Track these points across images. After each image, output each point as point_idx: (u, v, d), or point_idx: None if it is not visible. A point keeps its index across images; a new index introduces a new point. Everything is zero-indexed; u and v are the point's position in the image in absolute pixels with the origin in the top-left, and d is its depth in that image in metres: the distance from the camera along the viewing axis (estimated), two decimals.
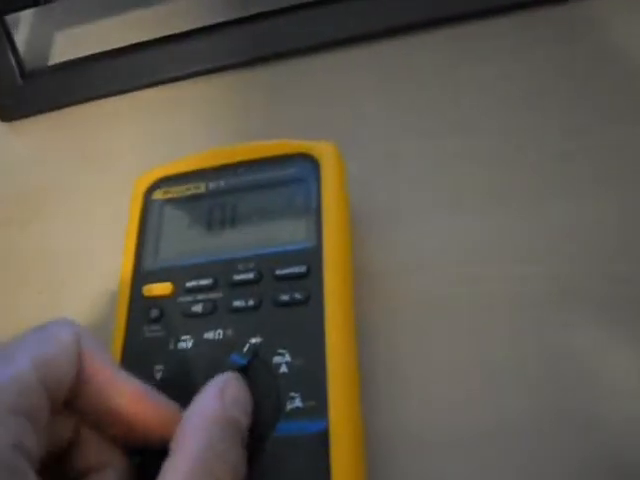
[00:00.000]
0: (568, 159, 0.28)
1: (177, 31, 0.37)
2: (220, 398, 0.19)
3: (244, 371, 0.21)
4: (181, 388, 0.22)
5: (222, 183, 0.26)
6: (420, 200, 0.29)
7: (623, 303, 0.24)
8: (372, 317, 0.26)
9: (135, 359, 0.23)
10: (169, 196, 0.27)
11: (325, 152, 0.25)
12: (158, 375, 0.22)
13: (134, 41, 0.37)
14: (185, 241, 0.26)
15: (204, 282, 0.24)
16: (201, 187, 0.27)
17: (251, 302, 0.23)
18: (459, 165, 0.29)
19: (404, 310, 0.26)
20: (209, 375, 0.21)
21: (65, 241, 0.33)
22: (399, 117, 0.32)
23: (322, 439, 0.20)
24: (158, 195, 0.27)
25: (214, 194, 0.26)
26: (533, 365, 0.24)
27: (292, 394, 0.21)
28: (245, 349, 0.22)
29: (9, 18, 0.38)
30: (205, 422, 0.18)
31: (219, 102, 0.35)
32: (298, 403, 0.21)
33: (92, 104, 0.38)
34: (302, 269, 0.23)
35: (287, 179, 0.25)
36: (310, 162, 0.25)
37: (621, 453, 0.21)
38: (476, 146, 0.30)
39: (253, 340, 0.22)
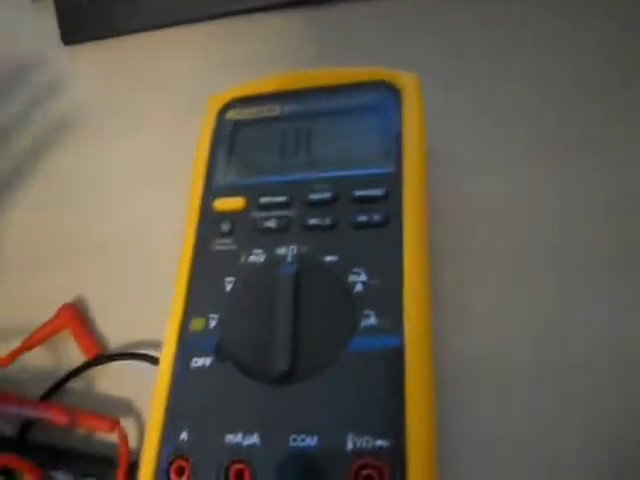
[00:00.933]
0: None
1: None
2: None
3: (298, 278, 0.21)
4: (250, 300, 0.22)
5: (298, 107, 0.26)
6: (498, 150, 0.28)
7: None
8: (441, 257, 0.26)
9: (205, 271, 0.23)
10: (243, 116, 0.26)
11: (407, 82, 0.25)
12: (228, 287, 0.22)
13: None
14: (258, 161, 0.25)
15: (278, 199, 0.23)
16: (276, 110, 0.26)
17: (327, 221, 0.22)
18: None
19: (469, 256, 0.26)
20: (273, 289, 0.21)
21: (123, 157, 0.33)
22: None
23: (396, 354, 0.19)
24: (232, 115, 0.27)
25: (289, 117, 0.26)
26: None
27: (367, 312, 0.20)
28: (289, 258, 0.22)
29: None
30: None
31: (291, 36, 0.35)
32: (373, 321, 0.20)
33: (155, 32, 0.37)
34: (381, 191, 0.22)
35: (367, 106, 0.25)
36: (391, 90, 0.25)
37: None
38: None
39: (303, 249, 0.22)
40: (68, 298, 0.29)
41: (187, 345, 0.21)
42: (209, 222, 0.24)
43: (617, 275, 0.24)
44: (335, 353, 0.20)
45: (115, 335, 0.28)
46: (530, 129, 0.29)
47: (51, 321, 0.28)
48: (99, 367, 0.27)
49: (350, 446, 0.18)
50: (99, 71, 0.37)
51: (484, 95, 0.31)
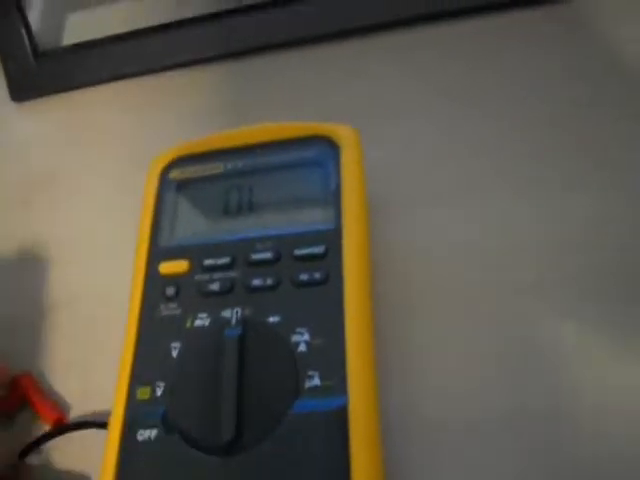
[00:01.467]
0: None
1: (190, 15, 0.37)
2: None
3: (242, 341, 0.21)
4: (195, 366, 0.22)
5: (240, 164, 0.26)
6: (437, 186, 0.29)
7: None
8: (389, 301, 0.26)
9: (151, 337, 0.23)
10: (186, 176, 0.27)
11: (346, 135, 0.25)
12: (174, 353, 0.22)
13: (148, 24, 0.37)
14: (202, 221, 0.25)
15: (222, 260, 0.24)
16: (218, 168, 0.26)
17: (270, 281, 0.23)
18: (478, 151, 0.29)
19: (420, 295, 0.26)
20: (218, 353, 0.21)
21: (73, 225, 0.33)
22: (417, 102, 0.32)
23: (340, 415, 0.20)
24: (175, 175, 0.27)
25: (232, 175, 0.26)
26: (552, 353, 0.24)
27: (310, 372, 0.21)
28: (233, 321, 0.22)
29: None
30: None
31: (235, 88, 0.35)
32: (317, 381, 0.20)
33: (104, 86, 0.38)
34: (321, 249, 0.23)
35: (306, 161, 0.25)
36: (330, 145, 0.25)
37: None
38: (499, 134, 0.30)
39: (247, 311, 0.22)
40: (25, 365, 0.29)
41: (134, 415, 0.21)
42: (154, 286, 0.24)
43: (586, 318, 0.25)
44: (280, 417, 0.20)
45: (76, 404, 0.28)
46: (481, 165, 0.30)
47: (7, 391, 0.28)
48: (58, 438, 0.26)
49: None
50: (49, 129, 0.37)
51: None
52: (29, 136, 0.37)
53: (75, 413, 0.27)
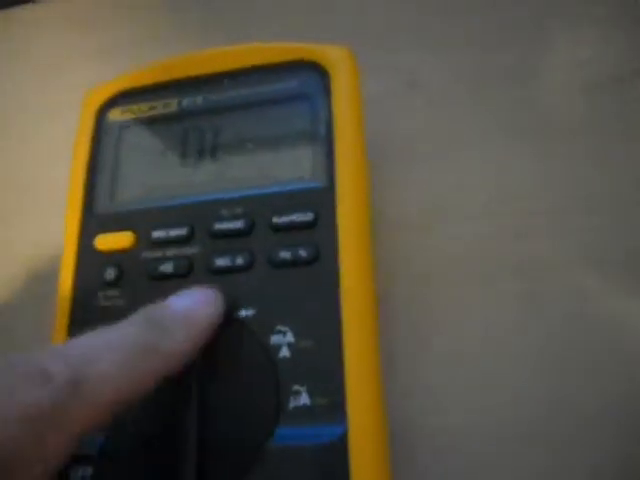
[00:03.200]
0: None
1: None
2: None
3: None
4: None
5: (200, 99, 0.20)
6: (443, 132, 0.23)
7: None
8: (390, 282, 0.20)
9: None
10: (129, 116, 0.20)
11: (337, 59, 0.19)
12: None
13: None
14: (151, 177, 0.19)
15: (176, 232, 0.18)
16: (172, 105, 0.20)
17: (239, 260, 0.17)
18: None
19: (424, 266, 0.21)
20: None
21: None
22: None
23: (338, 451, 0.14)
24: (115, 115, 0.20)
25: (189, 114, 0.20)
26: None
27: (296, 387, 0.15)
28: None
29: None
30: None
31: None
32: (305, 400, 0.15)
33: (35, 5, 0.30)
34: (308, 216, 0.17)
35: (287, 95, 0.19)
36: (317, 72, 0.19)
37: None
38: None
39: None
40: None
41: None
42: (90, 267, 0.18)
43: None
44: (254, 453, 0.15)
45: None
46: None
47: None
48: None
49: None
50: None
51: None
52: None
53: None
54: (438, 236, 0.21)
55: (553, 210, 0.21)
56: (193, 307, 0.15)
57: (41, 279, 0.23)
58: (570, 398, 0.18)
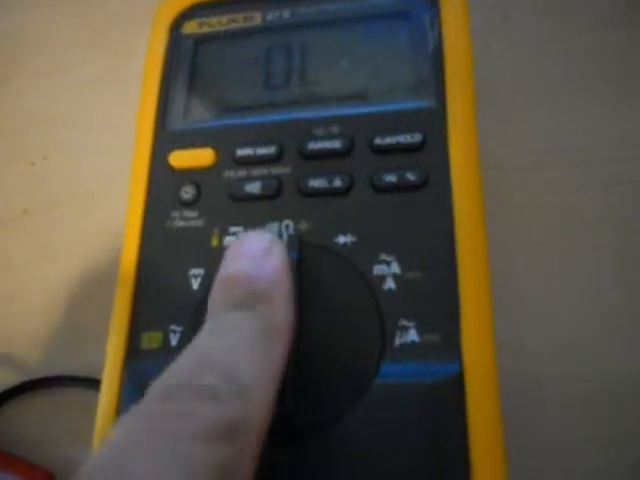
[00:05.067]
0: None
1: None
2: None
3: (298, 271, 0.14)
4: None
5: (287, 13, 0.18)
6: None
7: None
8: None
9: (159, 260, 0.15)
10: (207, 30, 0.18)
11: None
12: (195, 283, 0.15)
13: None
14: (231, 94, 0.18)
15: (263, 150, 0.16)
16: (255, 18, 0.18)
17: (337, 182, 0.15)
18: None
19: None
20: None
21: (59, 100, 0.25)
22: None
23: (452, 391, 0.13)
24: (191, 28, 0.19)
25: (275, 29, 0.18)
26: None
27: (403, 322, 0.14)
28: (287, 240, 0.14)
29: None
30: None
31: None
32: (413, 336, 0.13)
33: None
34: (416, 138, 0.15)
35: (385, 10, 0.17)
36: None
37: None
38: None
39: (302, 226, 0.15)
40: None
41: (137, 372, 0.14)
42: (163, 186, 0.16)
43: None
44: (358, 388, 0.13)
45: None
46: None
47: None
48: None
49: None
50: None
51: None
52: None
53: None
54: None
55: None
56: (274, 265, 0.13)
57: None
58: None
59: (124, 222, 0.16)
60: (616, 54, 0.21)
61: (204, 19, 0.19)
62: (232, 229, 0.15)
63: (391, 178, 0.15)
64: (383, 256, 0.14)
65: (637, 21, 0.21)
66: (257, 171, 0.16)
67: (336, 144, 0.15)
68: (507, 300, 0.18)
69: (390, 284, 0.14)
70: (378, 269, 0.14)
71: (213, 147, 0.16)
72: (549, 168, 0.20)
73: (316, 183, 0.15)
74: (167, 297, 0.15)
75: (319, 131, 0.16)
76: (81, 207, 0.23)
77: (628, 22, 0.22)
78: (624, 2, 0.22)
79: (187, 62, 0.18)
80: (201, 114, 0.17)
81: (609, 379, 0.17)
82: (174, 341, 0.15)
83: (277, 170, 0.16)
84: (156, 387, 0.11)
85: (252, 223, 0.15)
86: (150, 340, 0.15)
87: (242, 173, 0.16)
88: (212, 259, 0.15)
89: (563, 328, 0.18)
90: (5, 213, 0.24)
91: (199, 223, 0.16)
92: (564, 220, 0.19)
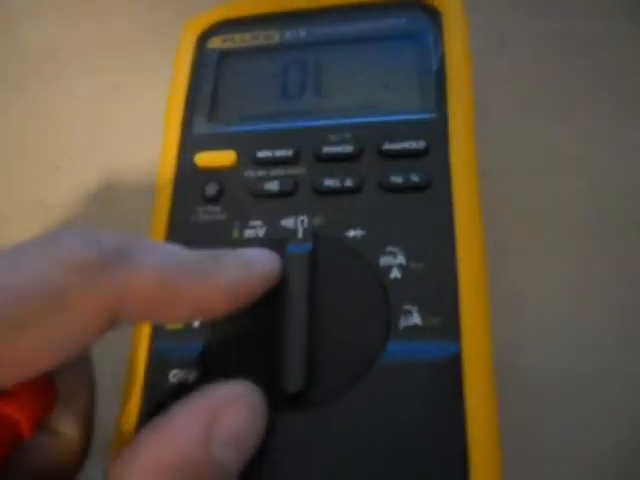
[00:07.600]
0: None
1: None
2: (203, 431, 0.12)
3: (312, 262, 0.15)
4: None
5: (303, 32, 0.20)
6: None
7: None
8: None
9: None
10: (230, 45, 0.20)
11: (449, 1, 0.19)
12: None
13: None
14: (251, 103, 0.19)
15: (281, 152, 0.18)
16: (274, 36, 0.20)
17: (349, 182, 0.17)
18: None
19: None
20: (285, 275, 0.15)
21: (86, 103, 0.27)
22: None
23: (450, 367, 0.14)
24: (216, 43, 0.20)
25: (292, 46, 0.20)
26: None
27: (407, 307, 0.15)
28: (299, 233, 0.16)
29: None
30: (164, 468, 0.11)
31: None
32: (416, 319, 0.15)
33: None
34: (420, 144, 0.17)
35: (394, 32, 0.19)
36: (426, 11, 0.19)
37: None
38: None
39: (317, 221, 0.16)
40: None
41: (162, 352, 0.16)
42: (188, 184, 0.18)
43: None
44: (364, 366, 0.14)
45: None
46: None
47: None
48: None
49: None
50: None
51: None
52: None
53: None
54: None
55: None
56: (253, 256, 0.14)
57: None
58: None
59: (150, 217, 0.18)
60: (615, 72, 0.23)
61: (228, 35, 0.20)
62: (251, 222, 0.17)
63: (397, 179, 0.16)
64: (390, 248, 0.16)
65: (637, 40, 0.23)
66: (275, 171, 0.17)
67: (348, 148, 0.17)
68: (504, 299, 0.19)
69: (396, 273, 0.15)
70: (385, 260, 0.16)
71: (235, 149, 0.18)
72: (543, 175, 0.22)
73: (329, 183, 0.17)
74: None
75: (333, 137, 0.17)
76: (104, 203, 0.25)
77: (627, 41, 0.23)
78: (624, 20, 0.24)
79: (212, 73, 0.20)
80: (224, 120, 0.19)
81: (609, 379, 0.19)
82: (196, 323, 0.16)
83: (294, 171, 0.17)
84: None
85: (270, 218, 0.17)
86: None
87: (262, 173, 0.17)
88: (232, 249, 0.16)
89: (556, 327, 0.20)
90: (27, 210, 0.25)
91: (221, 217, 0.17)
92: (559, 223, 0.21)
